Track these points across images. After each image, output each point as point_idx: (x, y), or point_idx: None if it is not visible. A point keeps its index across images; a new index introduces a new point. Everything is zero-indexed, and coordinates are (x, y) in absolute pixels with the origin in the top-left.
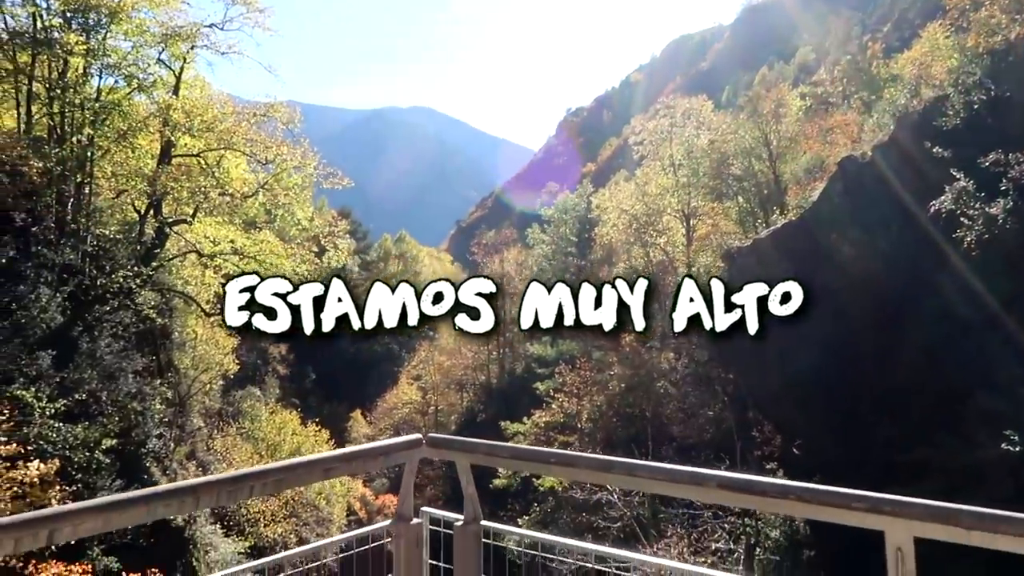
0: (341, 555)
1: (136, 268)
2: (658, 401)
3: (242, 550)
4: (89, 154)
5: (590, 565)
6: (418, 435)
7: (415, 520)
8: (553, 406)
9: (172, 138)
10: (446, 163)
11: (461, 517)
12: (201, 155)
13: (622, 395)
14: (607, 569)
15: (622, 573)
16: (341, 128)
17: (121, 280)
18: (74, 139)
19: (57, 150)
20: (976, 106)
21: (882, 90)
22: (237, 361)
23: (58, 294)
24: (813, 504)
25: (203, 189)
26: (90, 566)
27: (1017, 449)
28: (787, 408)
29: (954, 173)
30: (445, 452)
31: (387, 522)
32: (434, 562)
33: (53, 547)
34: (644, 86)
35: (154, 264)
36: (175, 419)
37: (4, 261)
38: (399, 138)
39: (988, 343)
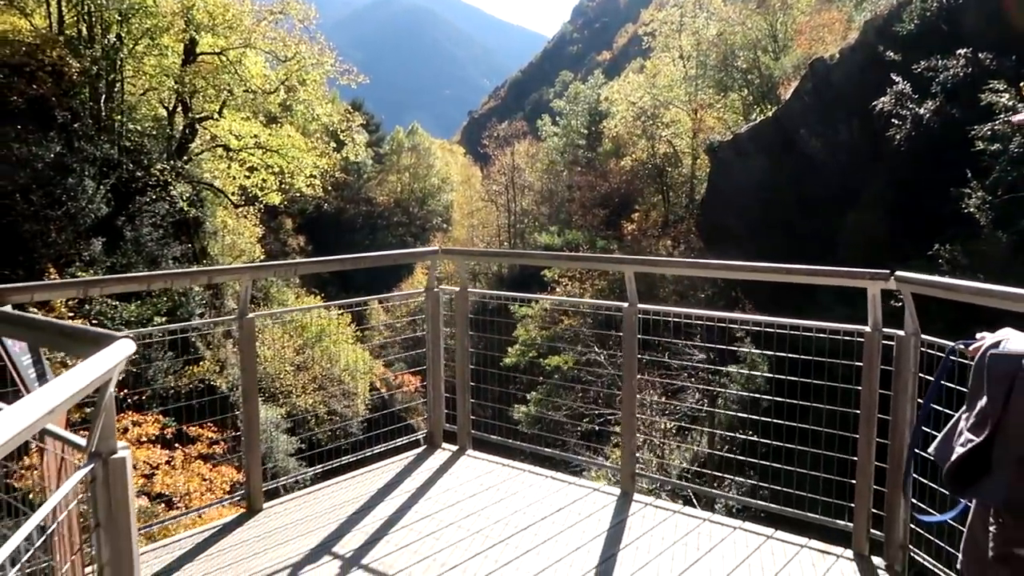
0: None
1: (170, 162)
2: (655, 284)
3: (280, 415)
4: (119, 53)
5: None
6: (436, 247)
7: (436, 289)
8: (558, 290)
9: (196, 37)
10: (458, 50)
11: (457, 288)
12: (223, 53)
13: (622, 279)
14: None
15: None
16: (349, 13)
17: (157, 173)
18: (104, 39)
19: (91, 50)
20: (929, 13)
21: None
22: (263, 250)
23: (101, 187)
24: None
25: (227, 86)
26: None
27: None
28: (761, 289)
29: (893, 77)
30: (453, 256)
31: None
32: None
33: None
34: None
35: (185, 158)
36: (212, 301)
37: (53, 156)
38: (409, 24)
39: (901, 226)
